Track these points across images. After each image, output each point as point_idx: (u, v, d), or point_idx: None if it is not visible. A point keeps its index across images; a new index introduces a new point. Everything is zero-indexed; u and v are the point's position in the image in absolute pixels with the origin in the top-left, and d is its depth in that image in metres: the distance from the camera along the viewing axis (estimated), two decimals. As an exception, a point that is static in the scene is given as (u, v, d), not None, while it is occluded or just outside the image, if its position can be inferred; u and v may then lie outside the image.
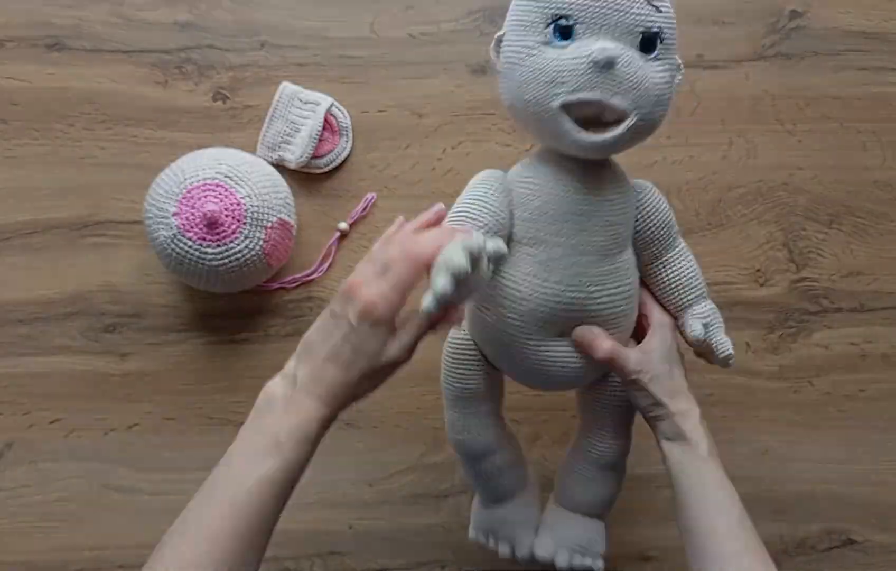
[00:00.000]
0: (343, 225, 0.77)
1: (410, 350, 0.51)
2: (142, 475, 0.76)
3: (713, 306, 0.60)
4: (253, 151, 0.76)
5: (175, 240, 0.66)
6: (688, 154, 0.79)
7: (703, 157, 0.79)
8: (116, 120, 0.76)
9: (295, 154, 0.76)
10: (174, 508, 0.75)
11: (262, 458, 0.48)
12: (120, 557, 0.76)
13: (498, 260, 0.50)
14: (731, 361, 0.59)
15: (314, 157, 0.76)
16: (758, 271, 0.79)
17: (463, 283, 0.45)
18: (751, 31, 0.79)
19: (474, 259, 0.45)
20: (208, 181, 0.67)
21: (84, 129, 0.76)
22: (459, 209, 0.55)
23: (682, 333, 0.60)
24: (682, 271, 0.59)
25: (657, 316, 0.60)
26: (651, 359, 0.58)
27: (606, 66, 0.47)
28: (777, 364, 0.79)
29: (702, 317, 0.59)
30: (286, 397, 0.51)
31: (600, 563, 0.65)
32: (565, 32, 0.49)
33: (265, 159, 0.76)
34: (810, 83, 0.79)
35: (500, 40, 0.53)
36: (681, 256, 0.60)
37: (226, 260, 0.68)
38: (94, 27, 0.76)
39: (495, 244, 0.48)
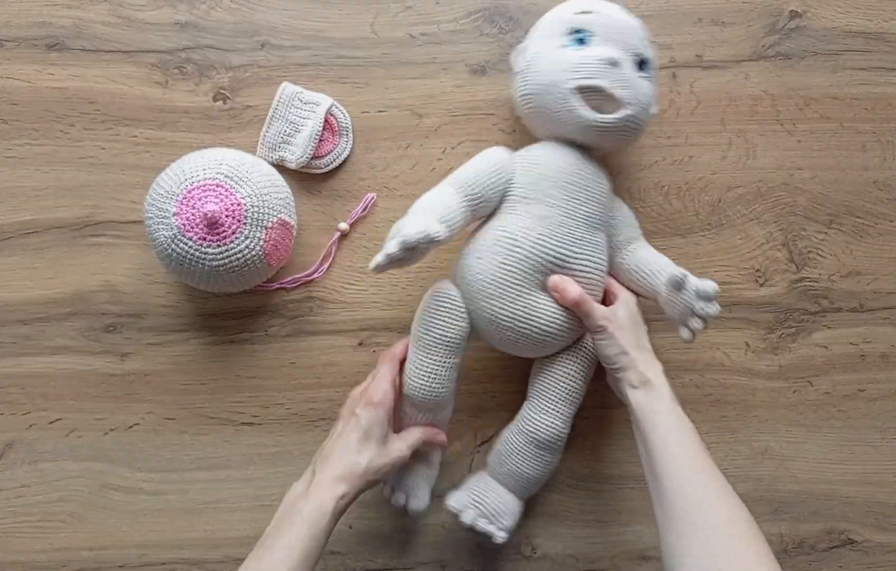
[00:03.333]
0: (343, 225, 0.77)
1: (409, 450, 0.66)
2: (142, 475, 0.76)
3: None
4: (253, 151, 0.76)
5: (175, 240, 0.66)
6: (687, 154, 0.79)
7: (702, 157, 0.79)
8: (116, 120, 0.76)
9: (295, 154, 0.76)
10: (174, 508, 0.76)
11: (285, 533, 0.58)
12: (120, 557, 0.76)
13: (432, 243, 0.59)
14: (712, 296, 0.64)
15: (314, 157, 0.76)
16: (757, 271, 0.79)
17: (408, 255, 0.57)
18: (750, 31, 0.79)
19: (420, 243, 0.57)
20: (209, 181, 0.67)
21: (84, 129, 0.76)
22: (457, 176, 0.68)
23: (661, 298, 0.67)
24: (647, 256, 0.71)
25: (622, 292, 0.69)
26: (616, 315, 0.66)
27: (614, 64, 0.63)
28: (777, 364, 0.79)
29: (677, 271, 0.65)
30: (305, 489, 0.61)
31: (503, 535, 0.69)
32: (581, 41, 0.64)
33: (265, 160, 0.76)
34: (810, 83, 0.79)
35: (521, 50, 0.68)
36: (643, 246, 0.72)
37: (226, 260, 0.68)
38: (93, 27, 0.76)
39: (430, 234, 0.58)
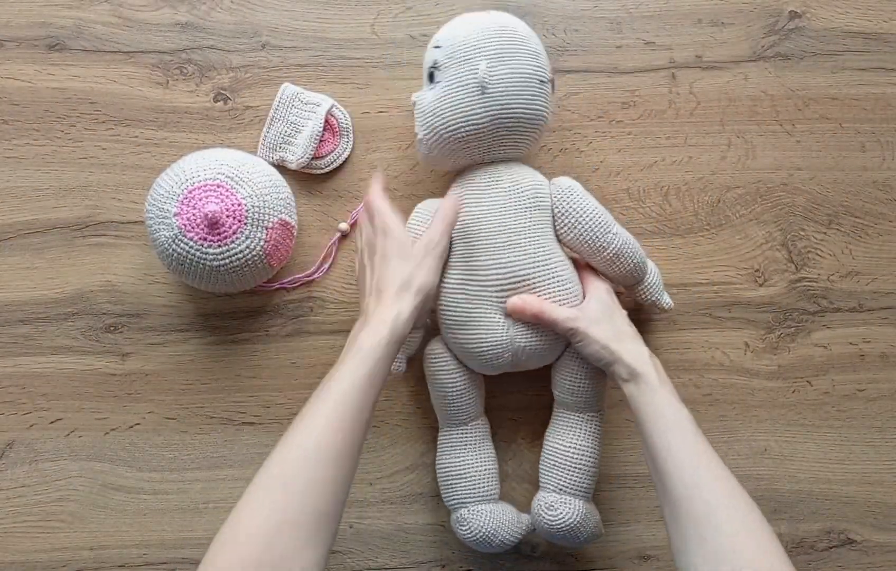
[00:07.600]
0: (343, 225, 0.77)
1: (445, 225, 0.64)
2: (142, 475, 0.76)
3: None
4: (254, 151, 0.76)
5: (176, 240, 0.66)
6: (687, 154, 0.79)
7: (702, 157, 0.79)
8: (117, 120, 0.77)
9: (296, 155, 0.76)
10: (174, 508, 0.76)
11: (349, 363, 0.57)
12: (120, 557, 0.76)
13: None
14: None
15: (315, 157, 0.76)
16: (757, 271, 0.79)
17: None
18: (750, 31, 0.79)
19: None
20: (209, 182, 0.67)
21: (84, 129, 0.76)
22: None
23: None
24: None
25: (589, 282, 0.68)
26: (586, 311, 0.65)
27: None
28: (776, 364, 0.79)
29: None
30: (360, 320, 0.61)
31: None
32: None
33: (266, 160, 0.76)
34: (809, 84, 0.80)
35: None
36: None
37: (227, 261, 0.68)
38: (94, 27, 0.76)
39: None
